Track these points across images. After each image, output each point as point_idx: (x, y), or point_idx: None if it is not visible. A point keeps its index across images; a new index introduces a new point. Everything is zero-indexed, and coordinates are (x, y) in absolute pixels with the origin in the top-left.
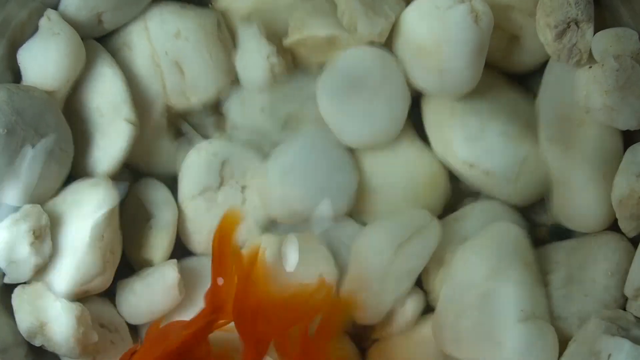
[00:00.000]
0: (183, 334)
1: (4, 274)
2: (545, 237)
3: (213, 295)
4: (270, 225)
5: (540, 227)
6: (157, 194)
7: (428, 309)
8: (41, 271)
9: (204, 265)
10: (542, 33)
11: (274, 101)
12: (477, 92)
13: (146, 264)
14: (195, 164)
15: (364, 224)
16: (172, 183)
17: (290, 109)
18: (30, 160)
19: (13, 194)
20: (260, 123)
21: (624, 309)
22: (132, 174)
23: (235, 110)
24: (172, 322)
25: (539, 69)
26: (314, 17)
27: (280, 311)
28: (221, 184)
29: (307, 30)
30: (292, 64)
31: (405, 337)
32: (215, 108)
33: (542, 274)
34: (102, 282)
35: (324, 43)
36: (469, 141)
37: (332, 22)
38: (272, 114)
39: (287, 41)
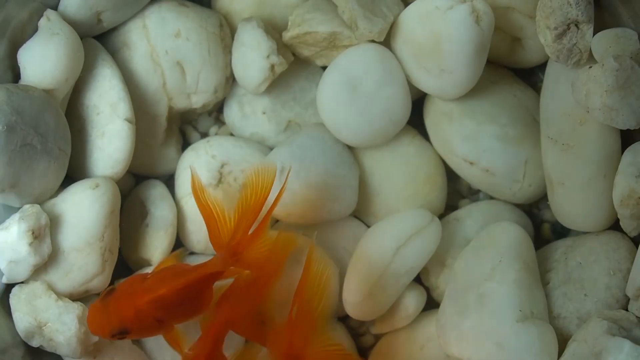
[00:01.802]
0: (193, 275)
1: (2, 274)
2: (549, 234)
3: (233, 244)
4: (272, 224)
5: (544, 223)
6: (156, 193)
7: (433, 304)
8: (40, 271)
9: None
10: (542, 34)
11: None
12: (478, 90)
13: (144, 262)
14: (193, 162)
15: (366, 224)
16: (172, 183)
17: (291, 112)
18: None
19: None
20: (261, 125)
21: (626, 309)
22: (133, 175)
23: (235, 111)
24: (180, 264)
25: (544, 63)
26: (314, 14)
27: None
28: (219, 181)
29: (307, 26)
30: (293, 64)
31: (410, 335)
32: (216, 107)
33: (542, 273)
34: (101, 281)
35: (324, 41)
36: (468, 140)
37: (332, 19)
38: (273, 117)
39: (287, 35)
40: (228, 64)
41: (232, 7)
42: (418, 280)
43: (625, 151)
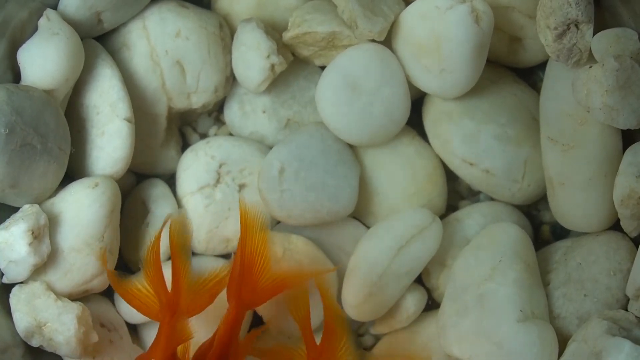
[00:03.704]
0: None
1: (2, 274)
2: (548, 235)
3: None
4: (272, 225)
5: (543, 225)
6: (157, 191)
7: (434, 305)
8: (40, 271)
9: (204, 264)
10: (543, 34)
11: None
12: (478, 90)
13: None
14: (192, 163)
15: (365, 224)
16: (173, 182)
17: (290, 111)
18: None
19: None
20: (260, 124)
21: (626, 309)
22: (135, 173)
23: (235, 110)
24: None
25: (544, 63)
26: (314, 15)
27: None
28: (218, 181)
29: (307, 26)
30: (292, 64)
31: (410, 335)
32: (215, 107)
33: (542, 274)
34: (101, 282)
35: (322, 41)
36: (468, 140)
37: (331, 19)
38: (273, 116)
39: (287, 35)
40: (228, 64)
41: (231, 9)
42: (419, 281)
43: (626, 151)
